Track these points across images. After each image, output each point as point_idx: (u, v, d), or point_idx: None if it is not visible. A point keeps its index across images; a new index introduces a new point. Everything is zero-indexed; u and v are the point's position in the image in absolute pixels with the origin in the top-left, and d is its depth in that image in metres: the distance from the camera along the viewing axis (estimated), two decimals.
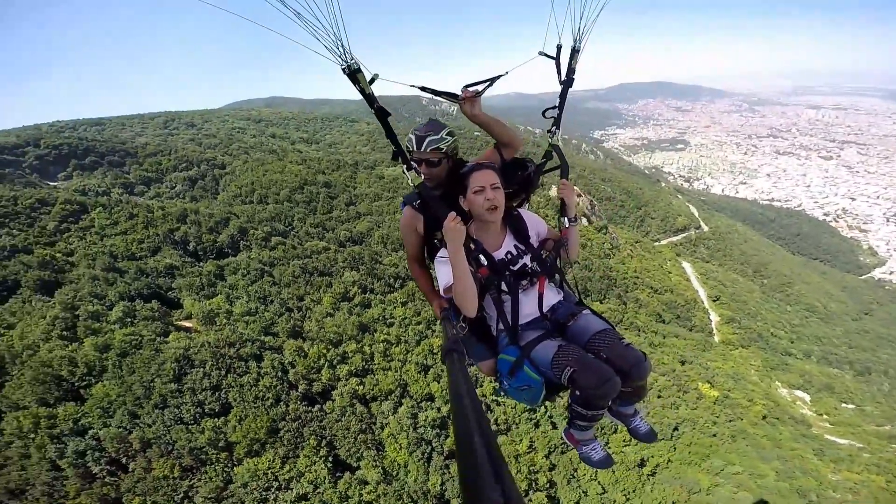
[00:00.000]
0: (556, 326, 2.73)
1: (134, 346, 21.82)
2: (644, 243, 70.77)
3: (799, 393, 41.97)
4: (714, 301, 58.97)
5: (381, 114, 2.41)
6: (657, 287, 55.66)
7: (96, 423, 19.28)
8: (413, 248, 3.02)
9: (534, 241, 2.80)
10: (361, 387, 23.57)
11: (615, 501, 22.79)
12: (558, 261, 2.87)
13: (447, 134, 2.79)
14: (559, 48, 2.89)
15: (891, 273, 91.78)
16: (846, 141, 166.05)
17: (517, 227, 2.78)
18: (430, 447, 21.03)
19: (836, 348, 56.02)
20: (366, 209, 51.87)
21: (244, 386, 21.03)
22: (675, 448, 27.82)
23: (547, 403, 2.73)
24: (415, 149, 2.74)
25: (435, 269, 2.71)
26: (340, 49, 2.10)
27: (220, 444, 19.02)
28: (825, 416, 38.04)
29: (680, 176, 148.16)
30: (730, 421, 31.20)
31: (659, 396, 31.68)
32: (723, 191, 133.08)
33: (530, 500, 20.81)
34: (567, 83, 2.94)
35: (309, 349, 24.85)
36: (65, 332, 23.05)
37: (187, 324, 25.71)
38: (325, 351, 24.96)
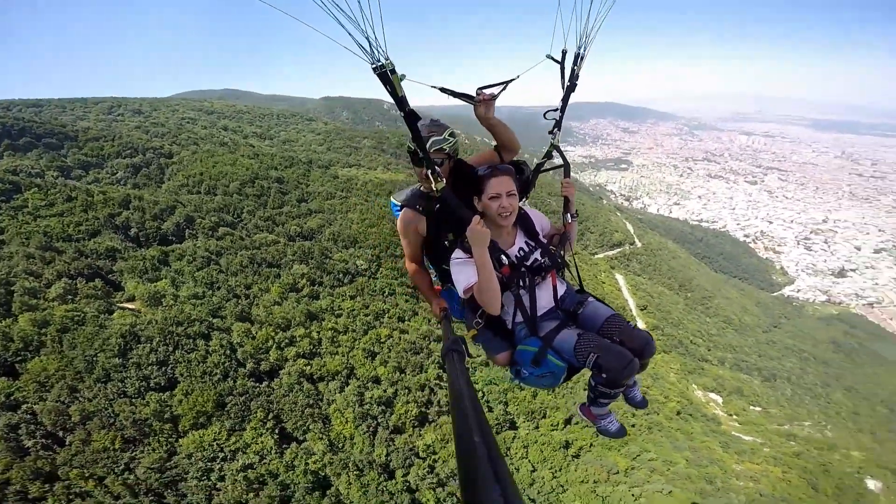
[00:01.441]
0: (566, 314, 2.92)
1: (76, 322, 21.58)
2: (582, 255, 75.28)
3: (712, 395, 46.03)
4: (642, 310, 62.94)
5: (412, 118, 2.44)
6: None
7: (31, 397, 19.02)
8: (413, 249, 3.11)
9: (542, 235, 2.97)
10: (309, 367, 24.49)
11: (543, 478, 25.00)
12: (563, 254, 3.05)
13: (449, 135, 2.87)
14: (564, 53, 3.00)
15: (798, 291, 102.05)
16: (770, 167, 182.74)
17: (525, 225, 2.93)
18: (375, 422, 22.39)
19: (747, 356, 61.41)
20: (318, 206, 52.15)
21: (192, 362, 21.44)
22: (597, 435, 30.57)
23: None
24: (430, 155, 2.76)
25: (452, 270, 2.76)
26: (374, 47, 2.06)
27: (166, 417, 19.34)
28: (734, 416, 41.86)
29: (621, 195, 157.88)
30: (647, 414, 34.04)
31: (584, 389, 34.55)
32: (658, 210, 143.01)
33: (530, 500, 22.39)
34: (570, 87, 3.07)
35: (257, 332, 25.46)
36: (2, 306, 22.37)
37: (130, 305, 25.48)
38: (273, 334, 25.65)
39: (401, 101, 2.30)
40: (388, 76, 2.13)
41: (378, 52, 2.05)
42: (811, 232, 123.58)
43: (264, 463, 19.11)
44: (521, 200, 3.04)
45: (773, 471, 29.33)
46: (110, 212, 36.51)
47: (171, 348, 21.68)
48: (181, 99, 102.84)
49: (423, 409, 24.62)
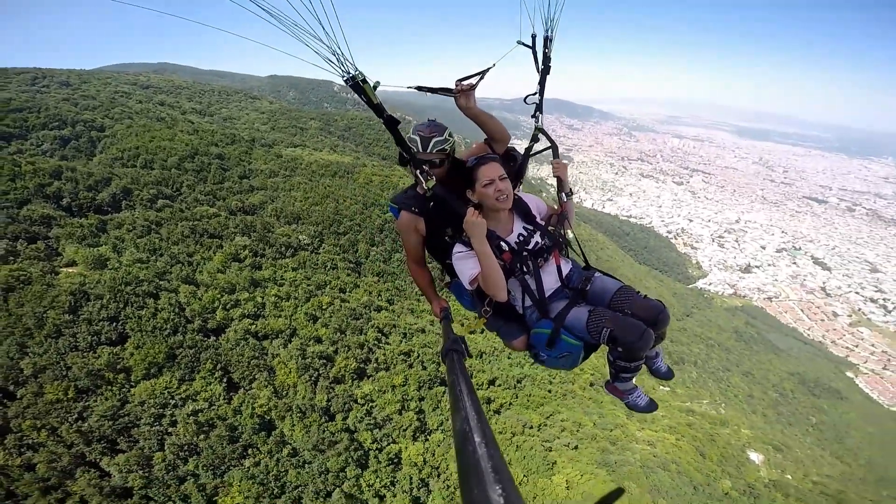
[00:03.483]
0: (575, 292, 2.97)
1: (22, 281, 22.44)
2: None
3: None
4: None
5: (391, 123, 2.48)
6: None
7: None
8: (414, 249, 3.17)
9: (539, 218, 3.05)
10: (254, 326, 26.67)
11: None
12: (563, 232, 3.10)
13: (449, 135, 2.93)
14: (534, 37, 3.08)
15: (710, 284, 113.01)
16: (696, 169, 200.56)
17: (521, 209, 3.01)
18: (317, 372, 25.10)
19: None
20: (260, 184, 52.85)
21: (142, 318, 23.04)
22: (517, 396, 34.73)
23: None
24: (420, 150, 2.84)
25: (454, 264, 2.84)
26: (341, 60, 2.14)
27: (118, 367, 21.01)
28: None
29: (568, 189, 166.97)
30: (563, 383, 38.15)
31: (509, 358, 38.68)
32: (592, 205, 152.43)
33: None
34: (545, 70, 3.16)
35: (203, 294, 27.21)
36: None
37: (71, 270, 26.24)
38: (218, 296, 27.52)
39: (377, 108, 2.37)
40: (359, 86, 2.22)
41: (346, 64, 2.13)
42: (725, 231, 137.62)
43: (213, 408, 21.34)
44: (515, 186, 3.13)
45: (668, 437, 33.44)
46: (40, 181, 35.91)
47: (121, 305, 23.13)
48: (113, 72, 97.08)
49: (361, 365, 27.60)
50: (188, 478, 19.43)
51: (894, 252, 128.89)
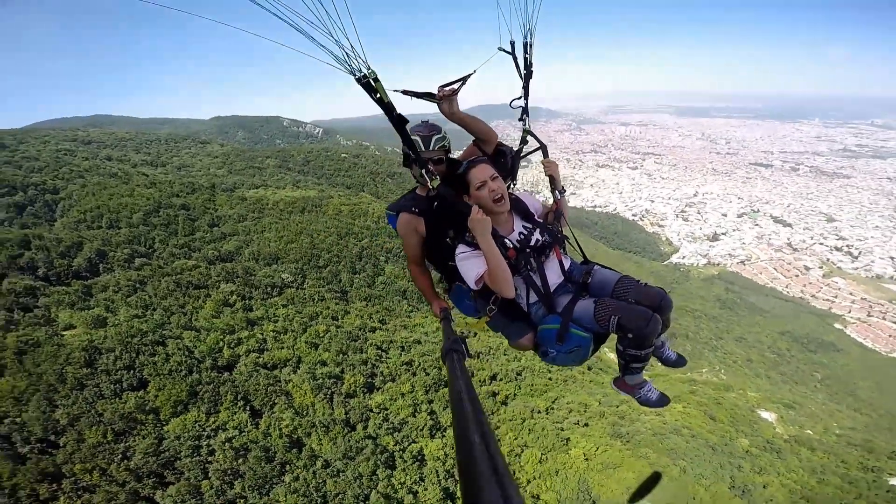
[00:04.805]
0: (577, 286, 3.13)
1: (31, 345, 23.96)
2: None
3: (611, 355, 51.66)
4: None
5: (401, 122, 2.56)
6: None
7: (12, 411, 21.41)
8: (414, 250, 3.34)
9: (537, 216, 3.23)
10: (261, 358, 28.75)
11: None
12: (560, 228, 3.28)
13: (445, 132, 3.19)
14: (513, 43, 3.30)
15: (683, 258, 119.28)
16: (647, 153, 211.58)
17: (519, 208, 3.18)
18: (329, 390, 27.35)
19: None
20: (231, 230, 54.46)
21: (157, 363, 24.87)
22: (519, 387, 37.38)
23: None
24: (423, 149, 3.03)
25: (459, 265, 2.95)
26: (352, 59, 2.20)
27: (147, 409, 22.80)
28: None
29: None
30: (561, 370, 39.75)
31: (505, 354, 41.49)
32: None
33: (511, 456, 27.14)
34: (528, 74, 3.40)
35: (205, 337, 29.12)
36: None
37: (73, 332, 27.69)
38: (221, 337, 29.49)
39: (388, 108, 2.42)
40: (371, 85, 2.30)
41: (358, 62, 2.22)
42: (686, 205, 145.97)
43: (244, 434, 23.32)
44: (507, 185, 3.36)
45: (674, 406, 34.41)
46: (10, 253, 36.83)
47: (133, 354, 24.93)
48: (48, 128, 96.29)
49: (369, 380, 29.97)
50: (238, 501, 21.32)
51: (844, 201, 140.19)
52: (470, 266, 2.87)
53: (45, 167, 62.57)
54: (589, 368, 42.50)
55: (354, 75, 2.26)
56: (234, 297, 38.27)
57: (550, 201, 3.54)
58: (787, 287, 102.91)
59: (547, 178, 3.47)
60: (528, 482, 25.49)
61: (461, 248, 2.92)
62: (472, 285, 2.91)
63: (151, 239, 47.85)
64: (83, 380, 23.05)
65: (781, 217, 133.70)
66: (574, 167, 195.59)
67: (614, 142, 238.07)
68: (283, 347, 31.09)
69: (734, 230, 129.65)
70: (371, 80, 2.30)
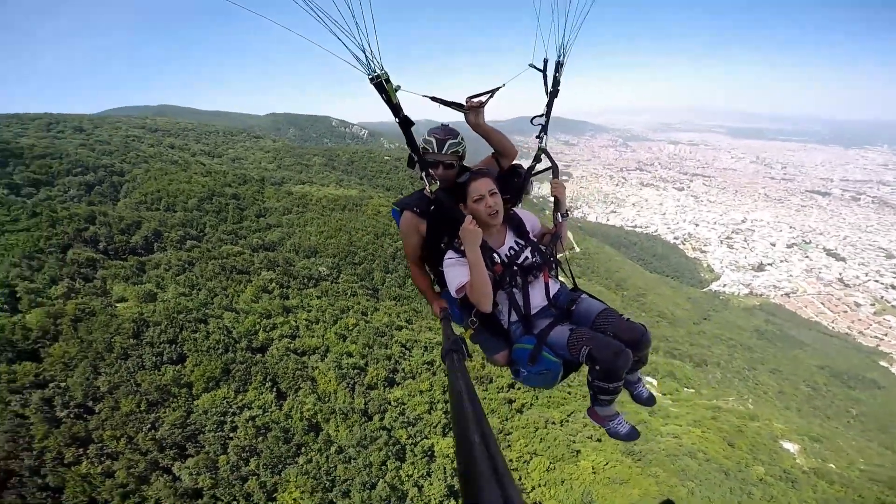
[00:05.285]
0: (560, 312, 3.13)
1: (87, 313, 26.02)
2: None
3: (648, 378, 50.04)
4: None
5: (406, 123, 2.64)
6: None
7: (59, 376, 23.35)
8: (414, 250, 3.34)
9: (531, 235, 3.22)
10: (292, 344, 30.04)
11: (493, 426, 31.45)
12: (555, 252, 3.27)
13: (461, 139, 3.19)
14: (545, 62, 3.30)
15: (724, 286, 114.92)
16: (695, 174, 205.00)
17: (515, 225, 3.18)
18: (352, 381, 28.29)
19: (679, 345, 67.65)
20: (276, 221, 56.99)
21: (197, 340, 26.50)
22: (537, 397, 37.17)
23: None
24: (436, 151, 3.08)
25: (445, 271, 2.98)
26: (370, 60, 2.28)
27: (182, 383, 24.33)
28: (668, 395, 46.64)
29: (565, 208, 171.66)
30: (581, 385, 40.50)
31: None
32: (596, 218, 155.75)
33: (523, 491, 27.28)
34: (553, 93, 3.39)
35: (244, 319, 30.70)
36: (5, 306, 26.31)
37: (125, 304, 29.80)
38: (258, 320, 31.00)
39: (395, 108, 2.53)
40: (383, 85, 2.41)
41: (373, 62, 2.30)
42: (732, 232, 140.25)
43: (267, 414, 24.47)
44: (516, 203, 3.40)
45: (693, 430, 34.34)
46: (77, 227, 39.89)
47: (177, 330, 26.65)
48: (122, 115, 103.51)
49: (390, 374, 30.73)
50: (250, 477, 22.39)
51: None
52: (454, 274, 2.89)
53: (115, 151, 67.55)
54: None
55: (369, 75, 2.35)
56: (273, 284, 39.98)
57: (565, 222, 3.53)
58: (832, 322, 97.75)
59: (552, 199, 3.40)
60: (533, 489, 25.59)
61: (449, 255, 2.95)
62: (453, 293, 2.93)
63: (203, 224, 50.68)
64: (129, 350, 24.83)
65: (835, 250, 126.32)
66: (617, 184, 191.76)
67: (661, 160, 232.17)
68: (313, 336, 32.28)
69: (782, 261, 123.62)
70: (383, 81, 2.40)
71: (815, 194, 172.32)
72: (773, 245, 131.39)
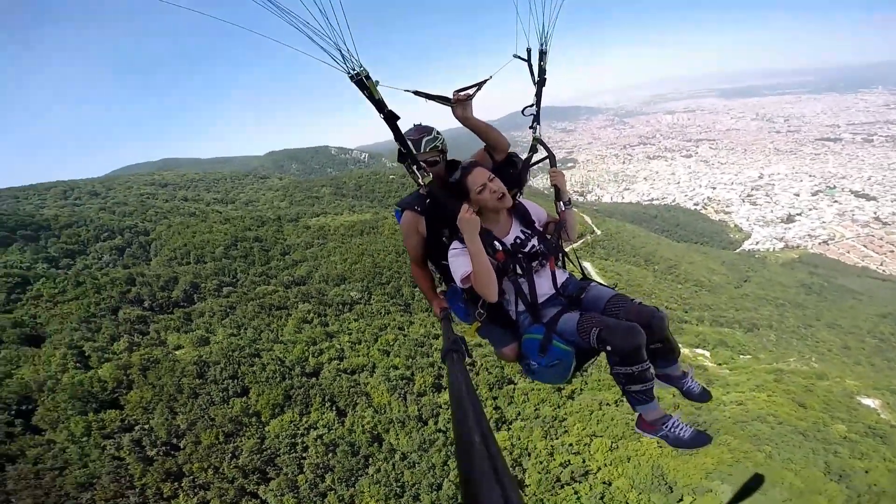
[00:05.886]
0: (570, 301, 3.12)
1: (151, 362, 28.42)
2: None
3: (699, 350, 48.25)
4: (612, 288, 71.71)
5: (391, 118, 2.63)
6: None
7: (141, 419, 25.67)
8: (415, 250, 3.34)
9: (537, 225, 3.22)
10: (341, 365, 32.04)
11: (546, 414, 32.60)
12: (560, 241, 3.26)
13: (437, 133, 3.17)
14: (529, 51, 3.28)
15: (756, 244, 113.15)
16: (699, 139, 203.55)
17: (521, 214, 3.20)
18: (403, 390, 30.05)
19: (724, 312, 64.90)
20: (300, 256, 59.42)
21: (255, 373, 28.69)
22: (585, 382, 37.88)
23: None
24: (415, 152, 2.99)
25: (450, 262, 2.97)
26: (345, 57, 2.31)
27: (250, 413, 26.41)
28: (724, 365, 44.56)
29: (574, 191, 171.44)
30: None
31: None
32: (611, 199, 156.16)
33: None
34: (541, 82, 3.37)
35: (293, 349, 32.83)
36: (78, 364, 28.94)
37: (182, 351, 32.21)
38: (305, 348, 33.08)
39: (379, 104, 2.53)
40: (363, 82, 2.42)
41: (352, 61, 2.34)
42: (752, 189, 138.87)
43: (332, 431, 26.36)
44: (516, 192, 3.39)
45: (758, 396, 33.27)
46: (120, 290, 42.72)
47: (235, 366, 28.94)
48: (129, 175, 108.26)
49: (436, 381, 32.35)
50: (328, 492, 24.17)
51: None
52: (458, 263, 2.89)
53: (134, 211, 71.22)
54: None
55: (348, 73, 2.39)
56: (312, 314, 42.18)
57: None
58: (881, 265, 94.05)
59: (552, 188, 3.39)
60: (599, 469, 26.43)
61: (454, 245, 2.95)
62: (459, 283, 2.93)
63: (234, 270, 53.36)
64: (196, 389, 27.12)
65: (863, 191, 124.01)
66: (623, 162, 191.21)
67: (662, 131, 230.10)
68: (359, 355, 34.26)
69: (810, 209, 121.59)
70: (363, 78, 2.43)
71: (826, 141, 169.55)
72: (797, 195, 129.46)
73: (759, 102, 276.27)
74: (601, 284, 3.24)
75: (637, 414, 3.09)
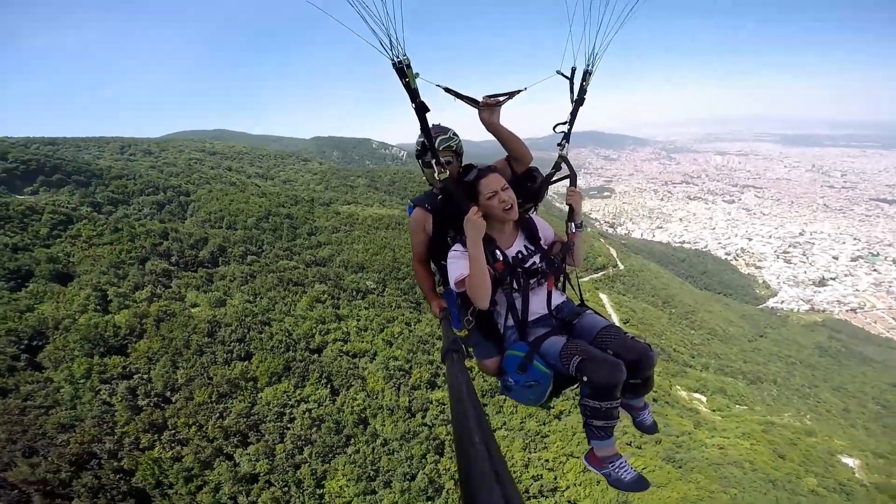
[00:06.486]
0: (561, 325, 3.03)
1: (168, 314, 29.81)
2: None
3: (696, 395, 48.20)
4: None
5: (421, 108, 2.67)
6: None
7: (142, 368, 26.94)
8: (419, 248, 3.38)
9: (543, 243, 3.16)
10: (344, 347, 32.87)
11: (530, 430, 32.62)
12: (564, 264, 3.20)
13: (453, 134, 3.25)
14: (573, 70, 3.25)
15: (781, 302, 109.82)
16: (746, 185, 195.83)
17: (528, 230, 3.16)
18: (398, 381, 30.65)
19: (732, 362, 64.61)
20: (326, 239, 60.98)
21: (262, 340, 29.77)
22: (576, 405, 37.46)
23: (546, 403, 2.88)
24: (434, 145, 2.94)
25: (448, 263, 2.95)
26: (392, 44, 2.40)
27: (248, 377, 27.45)
28: (717, 411, 44.33)
29: (605, 221, 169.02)
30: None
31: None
32: (641, 234, 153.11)
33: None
34: (579, 101, 3.32)
35: (301, 324, 33.86)
36: (98, 307, 30.52)
37: (198, 308, 33.62)
38: (314, 325, 34.08)
39: (413, 93, 2.59)
40: (404, 70, 2.51)
41: (398, 48, 2.43)
42: (790, 245, 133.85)
43: (322, 407, 27.13)
44: (531, 209, 3.43)
45: (742, 443, 33.46)
46: (153, 242, 44.74)
47: (245, 330, 30.12)
48: (183, 139, 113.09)
49: (432, 378, 32.86)
50: (303, 464, 24.90)
51: None
52: (455, 266, 2.88)
53: (181, 172, 74.59)
54: (655, 401, 41.63)
55: (392, 60, 2.47)
56: (326, 295, 43.28)
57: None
58: None
59: (567, 207, 3.30)
60: (567, 488, 26.54)
61: (455, 247, 2.94)
62: (453, 286, 2.92)
63: (261, 241, 55.21)
64: (203, 347, 28.35)
65: None
66: (662, 199, 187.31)
67: (709, 172, 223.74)
68: (363, 341, 35.09)
69: (846, 275, 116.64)
70: (405, 66, 2.50)
71: (880, 202, 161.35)
72: (836, 258, 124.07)
73: (819, 153, 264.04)
74: (596, 314, 3.15)
75: (590, 447, 2.96)
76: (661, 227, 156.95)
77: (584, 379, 2.57)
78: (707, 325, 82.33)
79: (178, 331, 28.78)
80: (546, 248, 3.17)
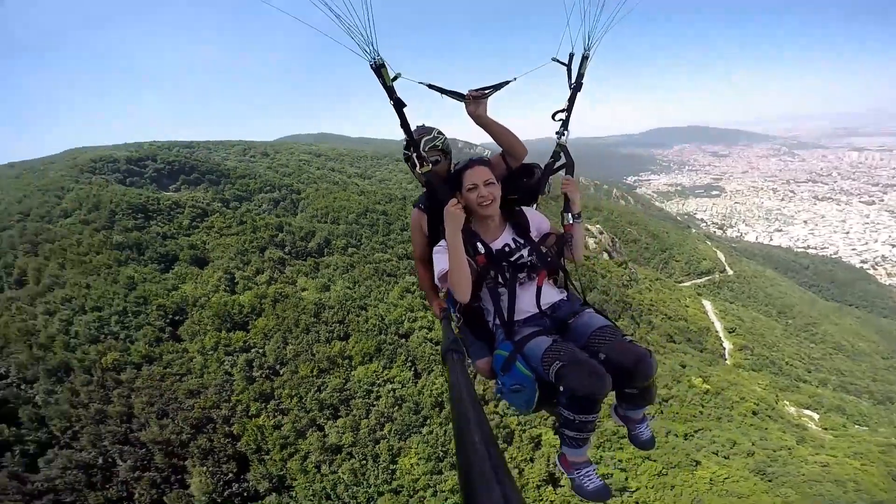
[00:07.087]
0: (557, 325, 2.85)
1: (282, 296, 34.60)
2: (665, 281, 77.65)
3: (807, 411, 43.91)
4: (730, 332, 62.53)
5: (398, 105, 2.75)
6: (671, 315, 62.27)
7: (259, 343, 31.56)
8: (419, 248, 3.39)
9: (534, 235, 3.03)
10: (429, 334, 35.45)
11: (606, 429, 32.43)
12: (562, 259, 3.08)
13: (438, 133, 3.28)
14: (571, 55, 3.20)
15: None
16: (890, 184, 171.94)
17: (518, 223, 3.03)
18: (474, 370, 32.40)
19: (858, 380, 58.26)
20: None
21: (359, 322, 33.50)
22: (661, 411, 36.04)
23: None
24: (416, 140, 3.01)
25: (433, 258, 2.92)
26: (369, 46, 2.52)
27: (345, 356, 31.09)
28: (829, 430, 39.94)
29: (713, 223, 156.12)
30: (717, 407, 37.42)
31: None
32: (757, 238, 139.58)
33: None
34: (576, 88, 3.23)
35: (393, 310, 37.19)
36: (227, 288, 36.19)
37: (306, 292, 38.36)
38: (404, 312, 37.21)
39: (389, 90, 2.67)
40: (379, 70, 2.60)
41: (372, 50, 2.53)
42: None
43: (405, 388, 29.85)
44: (530, 203, 3.31)
45: (850, 462, 30.34)
46: (270, 234, 51.04)
47: (345, 313, 34.07)
48: (292, 143, 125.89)
49: None
50: (381, 440, 27.58)
51: None
52: (438, 260, 2.85)
53: (292, 173, 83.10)
54: (755, 413, 38.12)
55: (370, 62, 2.58)
56: (415, 287, 46.31)
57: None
58: None
59: (562, 196, 3.17)
60: (637, 489, 26.23)
61: (441, 242, 2.89)
62: (437, 281, 2.91)
63: (360, 235, 60.16)
64: (310, 326, 32.50)
65: None
66: (782, 199, 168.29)
67: (842, 170, 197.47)
68: None
69: None
70: (379, 66, 2.59)
71: None
72: None
73: None
74: (598, 313, 2.94)
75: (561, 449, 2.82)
76: (780, 230, 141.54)
77: (561, 388, 2.38)
78: (831, 338, 73.58)
79: (289, 311, 33.28)
80: (537, 240, 3.04)
